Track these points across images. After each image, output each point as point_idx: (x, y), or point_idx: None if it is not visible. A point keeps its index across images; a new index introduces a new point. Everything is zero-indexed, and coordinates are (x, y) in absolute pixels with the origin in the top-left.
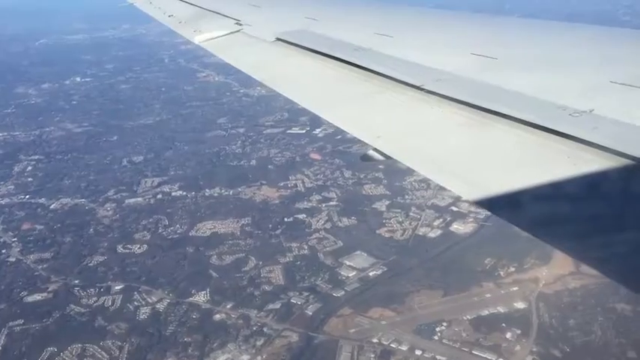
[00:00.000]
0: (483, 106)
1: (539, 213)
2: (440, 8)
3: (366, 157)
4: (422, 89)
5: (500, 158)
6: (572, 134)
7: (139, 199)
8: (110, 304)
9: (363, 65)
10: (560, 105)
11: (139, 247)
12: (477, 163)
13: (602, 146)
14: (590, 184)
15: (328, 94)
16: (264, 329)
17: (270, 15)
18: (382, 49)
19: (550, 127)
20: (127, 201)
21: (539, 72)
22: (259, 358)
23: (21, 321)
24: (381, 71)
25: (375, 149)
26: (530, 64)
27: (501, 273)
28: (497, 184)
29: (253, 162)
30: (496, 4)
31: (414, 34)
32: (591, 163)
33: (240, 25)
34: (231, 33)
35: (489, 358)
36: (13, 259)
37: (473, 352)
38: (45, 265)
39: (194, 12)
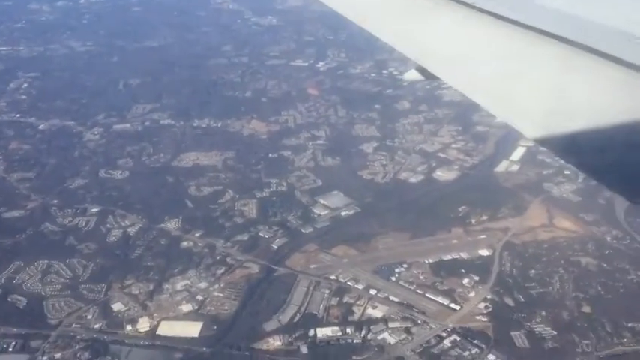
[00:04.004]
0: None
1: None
2: None
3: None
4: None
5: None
6: None
7: (128, 125)
8: (84, 225)
9: None
10: None
11: (121, 173)
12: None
13: None
14: None
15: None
16: (227, 259)
17: None
18: None
19: None
20: (115, 126)
21: None
22: (217, 285)
23: None
24: None
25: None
26: None
27: (473, 221)
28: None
29: (248, 93)
30: None
31: None
32: None
33: None
34: None
35: (442, 302)
36: None
37: (427, 295)
38: (27, 185)
39: None
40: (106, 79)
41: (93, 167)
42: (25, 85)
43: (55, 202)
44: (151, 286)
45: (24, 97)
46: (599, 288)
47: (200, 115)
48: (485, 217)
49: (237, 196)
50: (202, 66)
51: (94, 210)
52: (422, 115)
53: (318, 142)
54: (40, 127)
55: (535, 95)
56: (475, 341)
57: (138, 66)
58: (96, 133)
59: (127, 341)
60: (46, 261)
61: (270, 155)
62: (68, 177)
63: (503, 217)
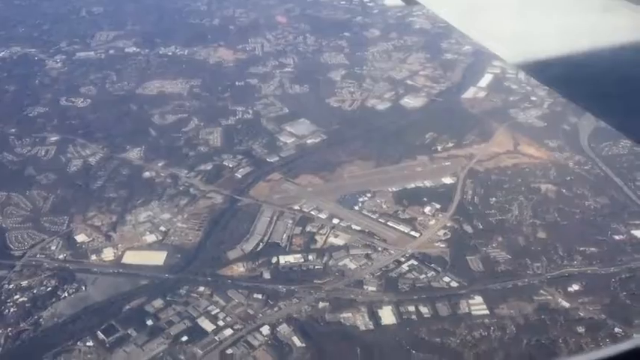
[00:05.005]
0: None
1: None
2: None
3: None
4: None
5: None
6: None
7: (91, 52)
8: (43, 154)
9: None
10: None
11: (83, 101)
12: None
13: None
14: None
15: None
16: (191, 189)
17: None
18: None
19: None
20: (78, 54)
21: None
22: (180, 217)
23: None
24: None
25: None
26: None
27: (438, 147)
28: None
29: (216, 21)
30: None
31: None
32: None
33: None
34: None
35: (403, 230)
36: None
37: (388, 223)
38: None
39: None
40: (68, 6)
41: (54, 95)
42: None
43: (14, 130)
44: (114, 218)
45: None
46: (557, 214)
47: (166, 43)
48: (450, 144)
49: (202, 125)
50: None
51: (54, 139)
52: (391, 42)
53: (286, 69)
54: (1, 55)
55: (516, 20)
56: (432, 265)
57: None
58: (58, 60)
59: (93, 270)
60: (5, 193)
61: (236, 83)
62: (28, 105)
63: (468, 143)
